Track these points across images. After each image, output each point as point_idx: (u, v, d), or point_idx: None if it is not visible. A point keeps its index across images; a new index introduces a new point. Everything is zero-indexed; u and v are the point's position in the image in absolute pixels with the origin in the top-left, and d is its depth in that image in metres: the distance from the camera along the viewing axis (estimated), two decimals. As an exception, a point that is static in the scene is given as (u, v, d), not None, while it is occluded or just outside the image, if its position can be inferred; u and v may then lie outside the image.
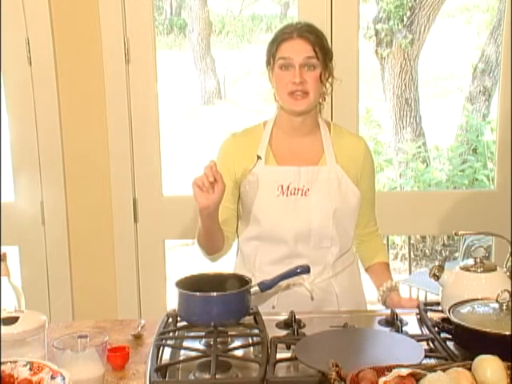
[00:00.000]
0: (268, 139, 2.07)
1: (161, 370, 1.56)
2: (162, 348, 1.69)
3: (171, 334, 1.77)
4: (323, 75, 2.00)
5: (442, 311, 1.86)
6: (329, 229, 2.03)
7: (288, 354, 1.63)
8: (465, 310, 1.71)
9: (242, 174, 2.06)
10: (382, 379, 1.31)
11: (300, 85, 1.96)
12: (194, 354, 1.65)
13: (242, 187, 2.07)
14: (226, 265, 2.23)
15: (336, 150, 2.07)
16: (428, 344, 1.68)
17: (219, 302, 1.73)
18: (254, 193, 2.04)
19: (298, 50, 1.96)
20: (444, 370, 1.35)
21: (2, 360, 1.43)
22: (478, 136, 5.64)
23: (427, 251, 5.65)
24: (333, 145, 2.07)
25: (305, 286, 2.02)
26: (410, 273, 4.74)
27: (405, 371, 1.32)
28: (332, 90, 2.10)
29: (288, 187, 2.02)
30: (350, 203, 2.05)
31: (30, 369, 1.43)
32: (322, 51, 1.98)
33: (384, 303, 2.08)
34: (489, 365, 1.35)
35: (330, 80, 2.06)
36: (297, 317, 1.82)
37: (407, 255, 4.91)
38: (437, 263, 1.90)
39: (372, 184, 2.17)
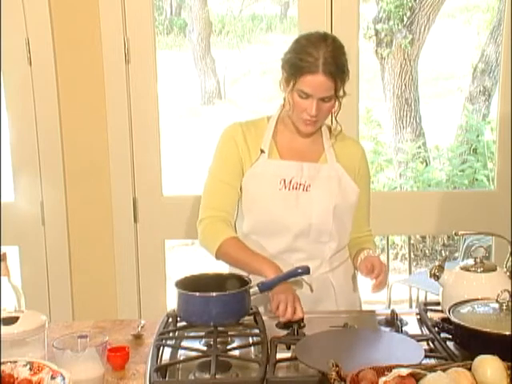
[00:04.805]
0: (272, 134, 2.09)
1: (161, 370, 1.56)
2: (161, 348, 1.69)
3: (171, 334, 1.78)
4: (338, 100, 2.00)
5: (442, 311, 1.86)
6: (329, 224, 2.04)
7: (288, 354, 1.63)
8: (465, 310, 1.71)
9: (245, 164, 2.06)
10: (382, 379, 1.31)
11: (314, 117, 1.98)
12: (193, 353, 1.65)
13: (243, 180, 2.06)
14: (224, 264, 2.22)
15: (335, 150, 2.10)
16: (428, 344, 1.68)
17: (219, 302, 1.73)
18: (256, 186, 2.05)
19: (320, 89, 1.93)
20: (444, 370, 1.35)
21: (2, 360, 1.43)
22: (477, 136, 5.64)
23: (427, 251, 5.65)
24: (332, 145, 2.10)
25: (303, 279, 2.02)
26: (410, 273, 4.72)
27: (405, 371, 1.32)
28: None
29: (290, 181, 2.04)
30: (349, 199, 2.08)
31: (30, 369, 1.43)
32: (342, 79, 1.96)
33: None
34: (489, 365, 1.36)
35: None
36: (297, 317, 1.82)
37: (407, 255, 4.90)
38: (437, 263, 1.90)
39: (366, 191, 2.17)
